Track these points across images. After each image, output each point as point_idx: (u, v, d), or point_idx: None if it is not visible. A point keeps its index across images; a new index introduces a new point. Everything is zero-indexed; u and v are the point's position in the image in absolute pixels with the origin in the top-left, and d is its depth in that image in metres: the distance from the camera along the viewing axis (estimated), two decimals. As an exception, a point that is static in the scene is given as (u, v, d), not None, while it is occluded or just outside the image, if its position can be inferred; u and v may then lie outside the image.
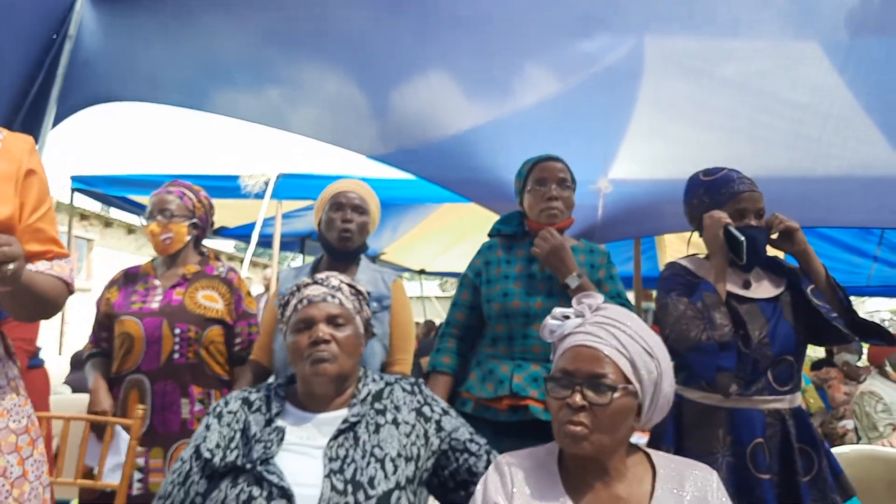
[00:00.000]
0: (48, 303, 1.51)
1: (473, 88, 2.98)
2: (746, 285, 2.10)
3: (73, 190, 5.55)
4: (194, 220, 2.66)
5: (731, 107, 2.72)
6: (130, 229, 17.84)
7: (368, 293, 1.80)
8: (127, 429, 2.28)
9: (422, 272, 10.35)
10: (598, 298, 1.50)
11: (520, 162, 2.42)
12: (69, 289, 1.56)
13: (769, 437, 1.99)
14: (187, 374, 2.49)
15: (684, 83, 2.71)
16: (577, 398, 1.35)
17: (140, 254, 17.63)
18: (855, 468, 2.22)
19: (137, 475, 2.37)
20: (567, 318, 1.49)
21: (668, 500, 1.35)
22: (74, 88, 2.95)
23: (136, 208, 5.87)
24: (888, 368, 4.23)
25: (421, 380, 1.78)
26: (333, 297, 1.68)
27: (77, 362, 3.75)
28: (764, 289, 2.11)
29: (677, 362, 1.89)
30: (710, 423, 2.01)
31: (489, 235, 2.49)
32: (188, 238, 2.64)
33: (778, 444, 1.99)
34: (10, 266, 1.25)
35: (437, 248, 8.56)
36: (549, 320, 1.51)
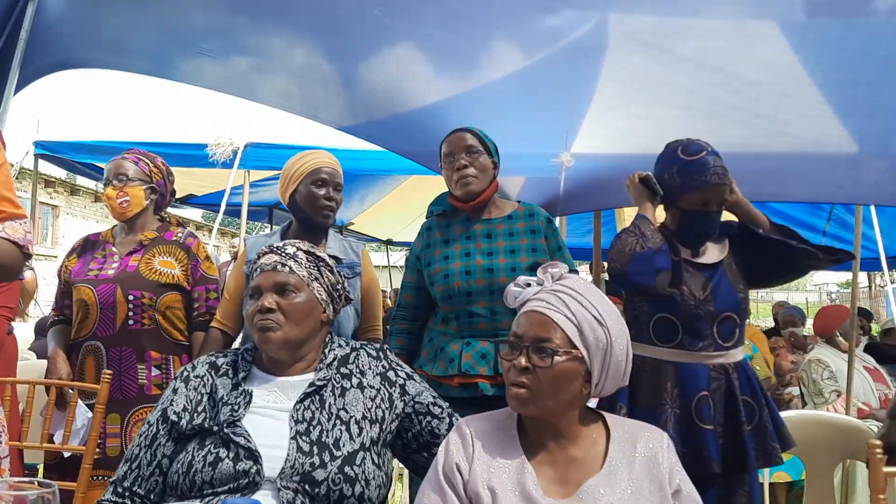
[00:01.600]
0: None
1: (441, 61, 3.00)
2: (695, 254, 2.25)
3: (37, 156, 5.46)
4: (151, 185, 2.67)
5: (690, 84, 2.79)
6: (97, 197, 17.51)
7: (340, 260, 1.85)
8: (89, 395, 2.31)
9: (388, 242, 10.39)
10: (563, 268, 1.56)
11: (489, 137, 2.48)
12: (22, 251, 1.53)
13: (714, 390, 2.13)
14: (144, 340, 2.51)
15: (645, 60, 2.76)
16: (522, 360, 1.41)
17: (107, 221, 17.34)
18: (799, 431, 2.34)
19: None
20: (529, 285, 1.55)
21: (621, 461, 1.42)
22: (38, 53, 2.92)
23: (102, 175, 5.81)
24: (839, 339, 4.41)
25: (386, 346, 1.82)
26: (284, 265, 1.69)
27: (41, 329, 3.74)
28: (709, 256, 2.26)
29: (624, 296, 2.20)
30: (659, 377, 2.14)
31: (427, 216, 2.55)
32: (146, 202, 2.65)
33: (722, 396, 2.13)
34: None
35: (403, 219, 8.59)
36: (511, 287, 1.56)
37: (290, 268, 1.69)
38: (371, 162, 5.18)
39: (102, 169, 5.67)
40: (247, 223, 5.54)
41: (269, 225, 8.02)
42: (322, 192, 2.43)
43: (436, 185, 6.36)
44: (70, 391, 2.29)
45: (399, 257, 12.78)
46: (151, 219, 2.70)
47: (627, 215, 7.36)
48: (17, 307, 2.65)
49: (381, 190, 7.36)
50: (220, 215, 5.24)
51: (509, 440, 1.47)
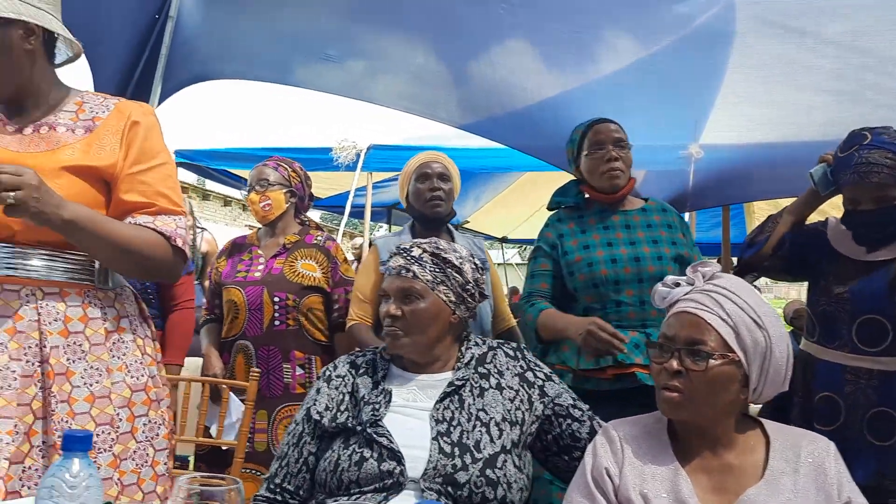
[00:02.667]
0: (139, 255, 1.49)
1: (556, 55, 2.95)
2: (871, 250, 2.14)
3: (177, 164, 5.79)
4: (291, 189, 2.77)
5: (836, 67, 2.60)
6: (226, 201, 18.52)
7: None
8: (240, 391, 2.43)
9: (503, 240, 10.37)
10: (714, 267, 1.49)
11: None
12: (170, 243, 1.53)
13: (847, 393, 2.03)
14: (289, 340, 2.61)
15: (783, 44, 2.60)
16: (674, 363, 1.35)
17: (235, 225, 18.31)
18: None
19: None
20: (678, 285, 1.49)
21: (784, 469, 1.34)
22: (177, 67, 3.09)
23: (235, 181, 6.11)
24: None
25: (524, 345, 1.78)
26: (408, 270, 1.67)
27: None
28: (882, 253, 2.12)
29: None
30: (795, 367, 2.04)
31: (549, 209, 2.49)
32: (286, 205, 2.76)
33: (857, 401, 2.03)
34: (12, 194, 1.26)
35: (518, 215, 8.54)
36: (659, 287, 1.50)
37: (414, 273, 1.66)
38: (487, 160, 5.18)
39: (235, 174, 6.01)
40: (369, 224, 5.68)
41: (388, 225, 8.19)
42: (426, 184, 2.52)
43: (551, 180, 6.27)
44: (223, 387, 2.41)
45: (512, 254, 12.74)
46: (292, 222, 2.81)
47: (757, 209, 7.01)
48: (194, 299, 2.83)
49: (495, 187, 7.35)
50: (346, 217, 5.39)
51: (660, 446, 1.41)
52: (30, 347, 1.42)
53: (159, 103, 3.02)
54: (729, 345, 1.35)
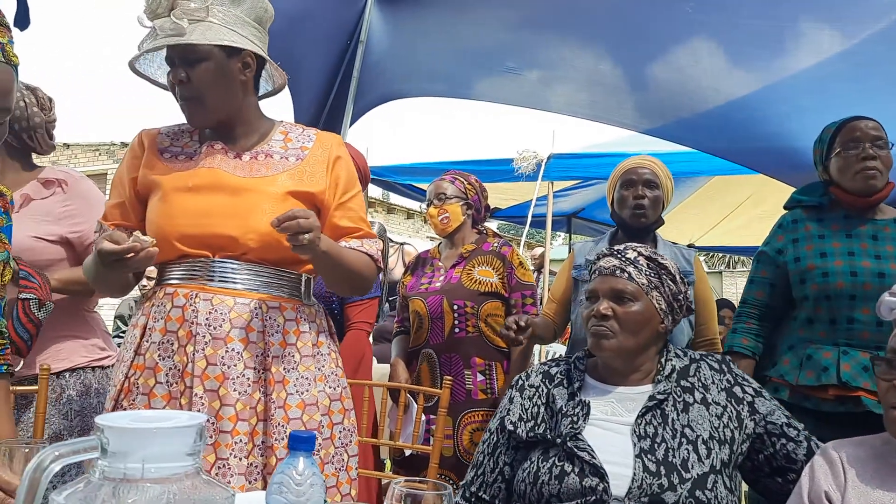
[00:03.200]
0: (357, 276, 1.66)
1: (749, 52, 2.78)
2: None
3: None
4: (467, 201, 2.84)
5: None
6: (409, 214, 19.30)
7: None
8: (428, 398, 2.52)
9: (690, 247, 9.91)
10: None
11: (817, 127, 2.23)
12: (376, 265, 1.71)
13: None
14: (469, 347, 2.66)
15: None
16: None
17: (418, 236, 19.01)
18: None
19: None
20: None
21: None
22: (367, 89, 3.28)
23: (419, 194, 6.34)
24: None
25: (728, 357, 1.68)
26: (623, 270, 1.62)
27: (378, 336, 4.18)
28: None
29: None
30: None
31: (786, 208, 2.30)
32: (463, 217, 2.82)
33: None
34: (306, 236, 1.40)
35: (706, 221, 8.13)
36: (886, 297, 1.38)
37: (630, 274, 1.62)
38: (671, 165, 4.96)
39: (419, 189, 6.24)
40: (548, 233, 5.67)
41: (568, 234, 8.11)
42: (630, 191, 2.44)
43: (740, 185, 5.93)
44: (413, 399, 2.51)
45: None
46: (470, 232, 2.88)
47: None
48: (374, 322, 2.99)
49: (681, 193, 7.04)
50: (527, 226, 5.42)
51: (890, 470, 1.29)
52: (257, 356, 1.55)
53: (351, 124, 3.22)
54: None
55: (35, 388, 1.88)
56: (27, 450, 1.07)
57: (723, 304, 5.07)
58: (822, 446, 1.38)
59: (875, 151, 2.05)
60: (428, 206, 2.88)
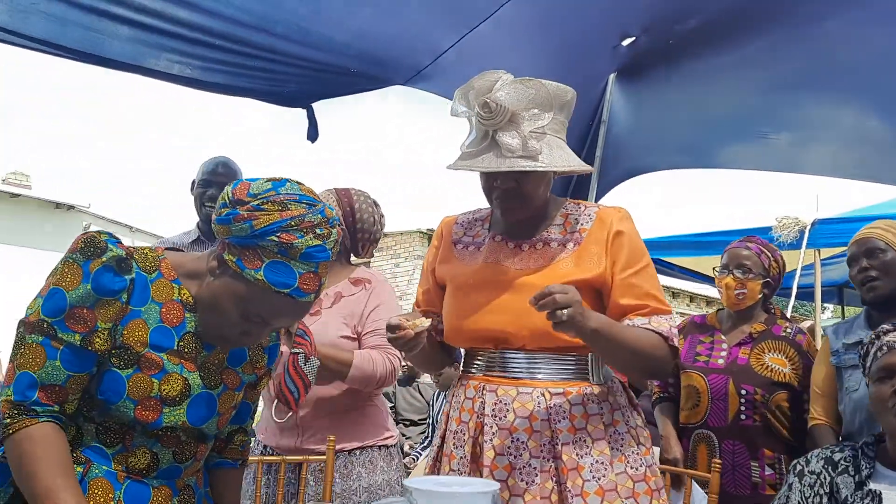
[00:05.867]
0: (644, 356, 1.54)
1: None
2: None
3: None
4: (768, 279, 2.60)
5: None
6: (674, 293, 18.56)
7: None
8: (701, 482, 2.33)
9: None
10: None
11: None
12: (668, 343, 1.56)
13: None
14: (756, 437, 2.44)
15: None
16: None
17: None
18: None
19: None
20: None
21: None
22: (610, 166, 3.35)
23: (672, 270, 6.14)
24: None
25: None
26: None
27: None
28: None
29: None
30: None
31: None
32: (759, 297, 2.59)
33: None
34: (565, 311, 1.35)
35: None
36: None
37: None
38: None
39: (670, 263, 6.03)
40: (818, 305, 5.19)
41: (840, 306, 7.30)
42: (855, 265, 2.25)
43: None
44: (685, 475, 2.34)
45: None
46: (759, 310, 2.64)
47: None
48: None
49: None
50: (793, 298, 5.00)
51: None
52: (544, 445, 1.53)
53: (596, 200, 3.29)
54: None
55: (322, 457, 2.08)
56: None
57: None
58: None
59: None
60: (724, 272, 2.62)
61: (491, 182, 1.57)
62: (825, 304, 8.39)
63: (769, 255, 2.61)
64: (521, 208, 1.59)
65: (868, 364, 1.62)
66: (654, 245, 5.86)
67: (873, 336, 1.62)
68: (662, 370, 1.64)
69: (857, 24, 2.52)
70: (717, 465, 2.04)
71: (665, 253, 5.97)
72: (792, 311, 5.23)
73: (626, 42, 2.97)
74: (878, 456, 1.54)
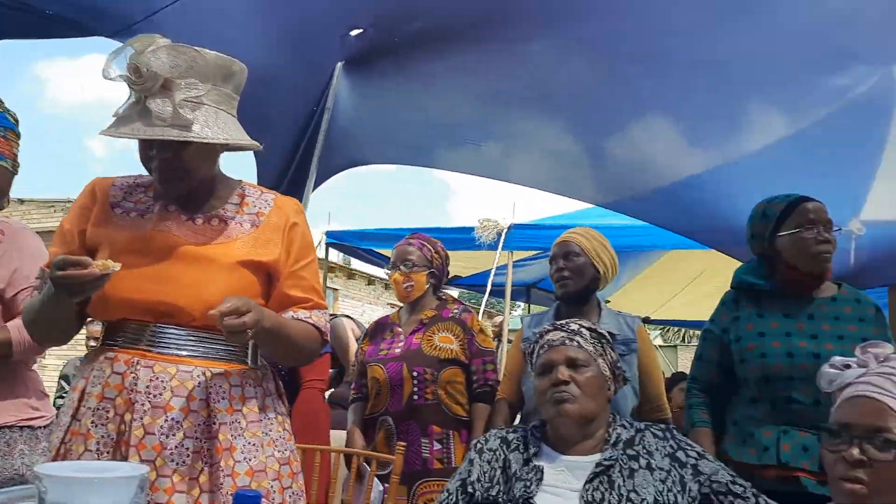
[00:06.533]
0: (300, 348, 1.64)
1: (702, 130, 2.91)
2: None
3: (327, 245, 6.14)
4: (432, 270, 2.84)
5: None
6: (370, 280, 19.26)
7: (614, 336, 1.84)
8: (383, 465, 2.48)
9: (646, 321, 10.03)
10: (887, 348, 1.39)
11: None
12: (322, 337, 1.67)
13: None
14: (427, 415, 2.64)
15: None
16: (855, 452, 1.25)
17: (377, 303, 18.92)
18: None
19: None
20: (848, 367, 1.40)
21: None
22: (331, 154, 3.32)
23: (380, 259, 6.35)
24: None
25: (672, 425, 1.76)
26: (572, 340, 1.73)
27: (334, 402, 4.12)
28: None
29: None
30: None
31: (732, 287, 2.35)
32: (427, 286, 2.83)
33: None
34: (250, 332, 1.40)
35: (661, 296, 8.26)
36: (826, 369, 1.43)
37: (578, 343, 1.73)
38: (628, 238, 5.08)
39: (380, 254, 6.25)
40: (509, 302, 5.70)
41: (527, 304, 8.15)
42: (553, 265, 2.54)
43: (696, 259, 6.06)
44: (367, 466, 2.46)
45: (654, 336, 12.24)
46: (431, 298, 2.87)
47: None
48: (328, 378, 2.94)
49: (636, 266, 7.18)
50: (487, 295, 5.45)
51: None
52: (199, 425, 1.50)
53: (315, 187, 3.25)
54: None
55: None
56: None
57: (679, 377, 5.13)
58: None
59: (828, 236, 2.12)
60: (393, 270, 2.86)
61: (147, 151, 1.51)
62: (516, 302, 9.27)
63: (430, 248, 2.88)
64: (180, 180, 1.54)
65: (533, 359, 1.80)
66: (364, 235, 6.01)
67: (538, 335, 1.81)
68: (311, 359, 1.76)
69: (560, 49, 2.75)
70: (402, 448, 2.17)
71: (374, 244, 6.14)
72: (486, 307, 5.67)
73: (354, 32, 2.95)
74: (543, 438, 1.73)
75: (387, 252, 6.12)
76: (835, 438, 1.29)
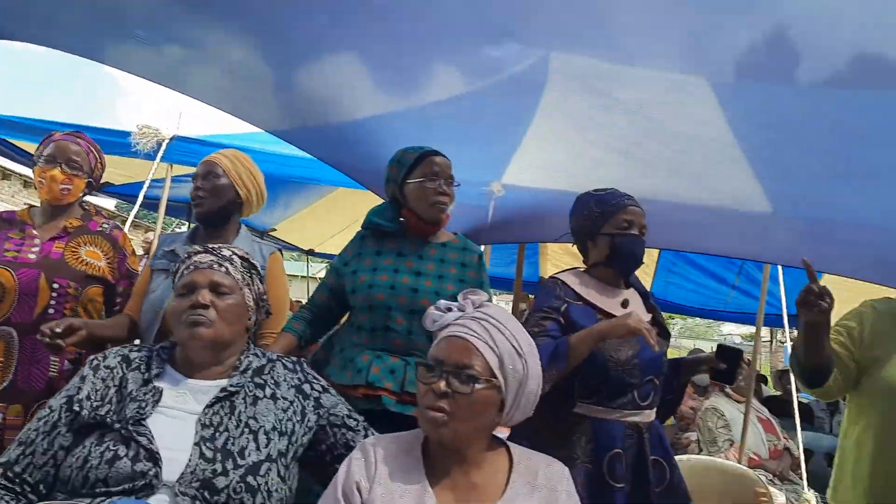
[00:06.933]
0: None
1: (382, 77, 2.98)
2: (624, 304, 2.24)
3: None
4: (90, 179, 2.60)
5: (624, 130, 2.86)
6: (5, 174, 16.70)
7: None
8: None
9: (310, 253, 10.26)
10: (483, 296, 1.58)
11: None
12: None
13: (626, 447, 2.08)
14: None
15: (584, 100, 2.82)
16: (441, 385, 1.42)
17: (13, 202, 16.49)
18: (691, 476, 2.40)
19: None
20: (450, 310, 1.56)
21: (521, 490, 1.44)
22: None
23: (17, 153, 5.49)
24: (728, 389, 4.56)
25: (302, 359, 1.82)
26: (221, 265, 1.70)
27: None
28: (633, 305, 2.26)
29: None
30: (574, 431, 2.09)
31: (363, 228, 2.53)
32: (80, 194, 2.59)
33: (634, 455, 2.10)
34: None
35: (326, 230, 8.49)
36: (431, 310, 1.58)
37: (227, 269, 1.70)
38: (299, 169, 5.09)
39: (17, 147, 5.40)
40: (164, 219, 5.35)
41: (188, 223, 7.76)
42: (194, 185, 2.53)
43: (362, 199, 6.29)
44: None
45: (320, 268, 12.59)
46: (76, 206, 2.62)
47: (551, 250, 7.53)
48: None
49: (306, 198, 7.26)
50: (136, 207, 5.05)
51: (413, 463, 1.47)
52: None
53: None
54: (493, 370, 1.44)
55: None
56: None
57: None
58: (362, 442, 1.55)
59: (447, 189, 2.41)
60: (50, 164, 2.50)
61: None
62: (173, 218, 8.71)
63: (97, 155, 2.66)
64: None
65: (176, 280, 1.75)
66: (11, 124, 5.15)
67: (185, 255, 1.77)
68: None
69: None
70: None
71: (8, 134, 5.30)
72: (135, 219, 5.26)
73: None
74: (170, 360, 1.69)
75: (27, 146, 5.33)
76: (429, 372, 1.45)
